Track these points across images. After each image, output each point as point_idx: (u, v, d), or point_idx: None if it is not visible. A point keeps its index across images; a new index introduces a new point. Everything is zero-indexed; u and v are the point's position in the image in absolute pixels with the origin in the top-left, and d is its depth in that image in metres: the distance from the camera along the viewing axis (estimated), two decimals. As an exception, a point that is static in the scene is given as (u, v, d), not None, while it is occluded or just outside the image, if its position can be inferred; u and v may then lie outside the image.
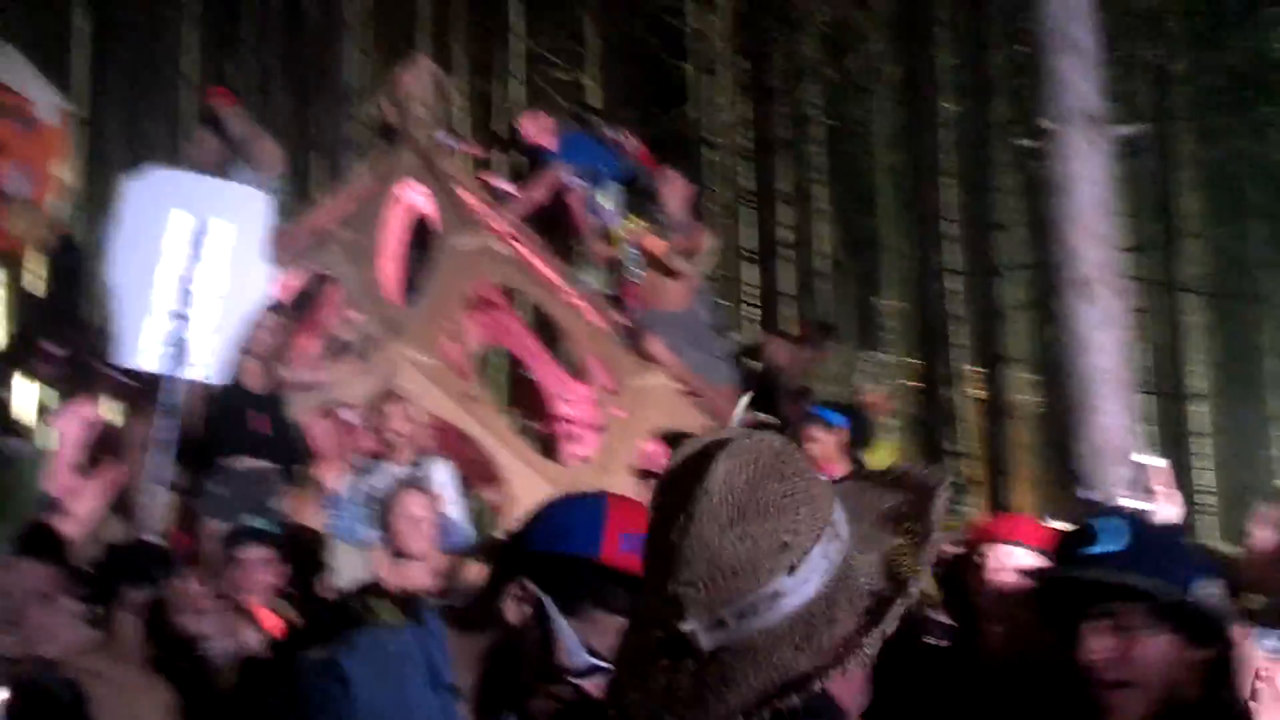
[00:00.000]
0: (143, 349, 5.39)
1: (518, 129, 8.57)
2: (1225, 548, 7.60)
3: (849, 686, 1.22)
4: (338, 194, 8.37)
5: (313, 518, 5.91)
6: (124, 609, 3.36)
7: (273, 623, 4.21)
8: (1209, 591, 1.92)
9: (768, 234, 17.94)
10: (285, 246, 7.38)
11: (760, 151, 18.26)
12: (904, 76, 17.54)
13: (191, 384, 5.67)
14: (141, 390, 6.00)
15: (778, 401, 7.60)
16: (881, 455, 7.39)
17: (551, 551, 1.79)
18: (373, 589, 4.21)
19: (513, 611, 1.80)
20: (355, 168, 11.36)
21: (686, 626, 1.16)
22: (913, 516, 1.24)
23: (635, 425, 6.95)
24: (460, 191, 7.82)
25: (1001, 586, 3.03)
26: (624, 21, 19.52)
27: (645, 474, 5.73)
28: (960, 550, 3.28)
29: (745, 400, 7.23)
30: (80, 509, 6.09)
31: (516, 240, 7.86)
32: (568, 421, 7.71)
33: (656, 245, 7.56)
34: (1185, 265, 17.21)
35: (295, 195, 10.53)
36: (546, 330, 8.28)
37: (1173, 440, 15.66)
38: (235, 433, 5.89)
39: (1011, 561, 3.04)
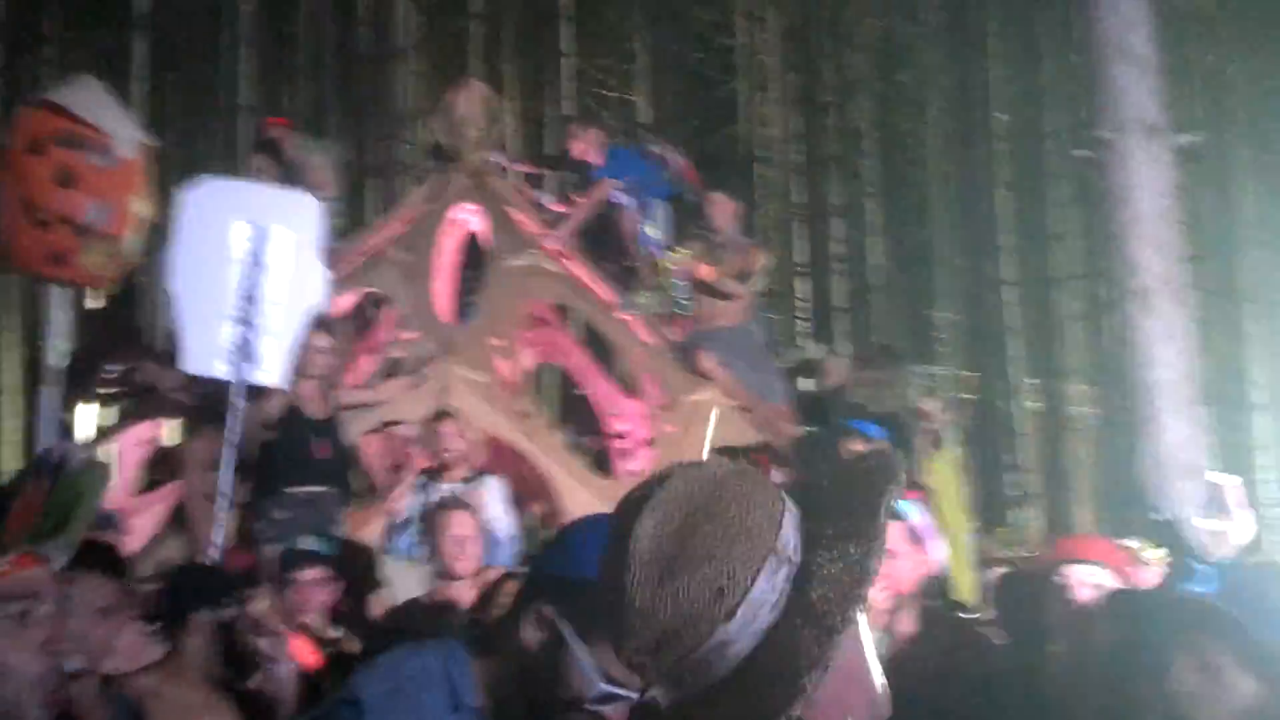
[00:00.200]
0: (207, 355, 5.40)
1: (566, 146, 8.61)
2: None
3: (847, 698, 1.15)
4: (392, 216, 8.45)
5: (369, 536, 5.94)
6: (189, 629, 3.38)
7: (310, 652, 4.22)
8: None
9: (820, 248, 17.87)
10: (341, 268, 7.47)
11: (812, 166, 18.20)
12: (956, 88, 17.41)
13: (253, 399, 5.72)
14: (200, 409, 6.07)
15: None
16: (941, 466, 7.29)
17: (569, 576, 1.76)
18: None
19: (531, 637, 1.78)
20: (409, 190, 11.46)
21: (650, 694, 1.14)
22: (864, 515, 1.16)
23: (688, 441, 6.93)
24: (512, 211, 7.87)
25: (1076, 606, 2.99)
26: (673, 39, 19.58)
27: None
28: (1025, 567, 3.24)
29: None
30: (139, 528, 6.18)
31: (567, 258, 7.89)
32: (620, 437, 7.70)
33: (708, 272, 7.54)
34: (1247, 274, 16.88)
35: (350, 218, 10.63)
36: (598, 347, 8.29)
37: (1235, 453, 15.33)
38: (297, 459, 5.92)
39: (1087, 581, 3.01)
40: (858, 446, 5.87)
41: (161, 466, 7.04)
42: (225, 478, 5.26)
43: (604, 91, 19.15)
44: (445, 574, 4.63)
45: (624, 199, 7.98)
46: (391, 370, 7.11)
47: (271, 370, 5.46)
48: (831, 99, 18.40)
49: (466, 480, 5.87)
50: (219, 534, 5.19)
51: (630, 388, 7.84)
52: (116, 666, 3.48)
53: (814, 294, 17.75)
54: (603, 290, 7.88)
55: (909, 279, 19.04)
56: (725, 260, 7.60)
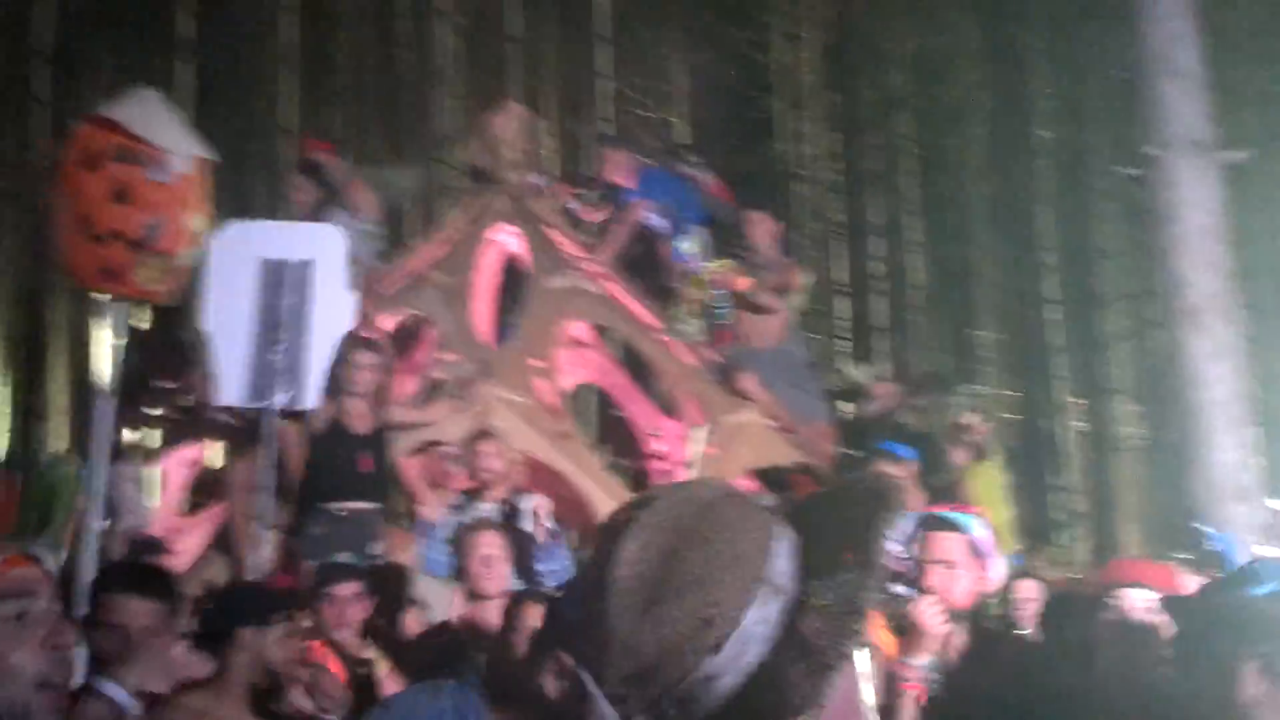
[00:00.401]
0: (241, 387, 5.53)
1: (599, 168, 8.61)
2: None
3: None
4: (431, 238, 8.48)
5: (406, 554, 5.95)
6: (236, 646, 3.37)
7: (338, 670, 4.21)
8: None
9: (860, 267, 17.78)
10: (382, 289, 7.51)
11: (851, 184, 18.13)
12: (997, 104, 17.30)
13: (289, 420, 5.78)
14: (244, 431, 6.11)
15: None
16: (984, 480, 7.22)
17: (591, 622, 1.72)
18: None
19: (551, 686, 1.73)
20: (448, 212, 11.52)
21: None
22: (859, 541, 1.09)
23: (728, 462, 6.88)
24: (550, 232, 7.88)
25: (1130, 628, 2.95)
26: (710, 59, 19.61)
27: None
28: (1075, 589, 3.21)
29: None
30: (184, 549, 6.22)
31: (606, 279, 7.88)
32: (659, 458, 7.67)
33: (745, 283, 7.52)
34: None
35: (391, 240, 10.71)
36: (637, 367, 8.27)
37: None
38: (339, 474, 5.96)
39: (1141, 604, 2.98)
40: (889, 468, 5.86)
41: (206, 489, 7.10)
42: (265, 502, 5.33)
43: (641, 112, 19.20)
44: (473, 593, 4.63)
45: (656, 220, 7.95)
46: (432, 391, 7.12)
47: (305, 396, 5.55)
48: (870, 116, 18.34)
49: (504, 502, 5.86)
50: (258, 557, 5.25)
51: (669, 408, 7.81)
52: (164, 687, 3.50)
53: (853, 313, 17.66)
54: (642, 311, 7.87)
55: (950, 297, 18.91)
56: (763, 278, 7.57)
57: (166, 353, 6.21)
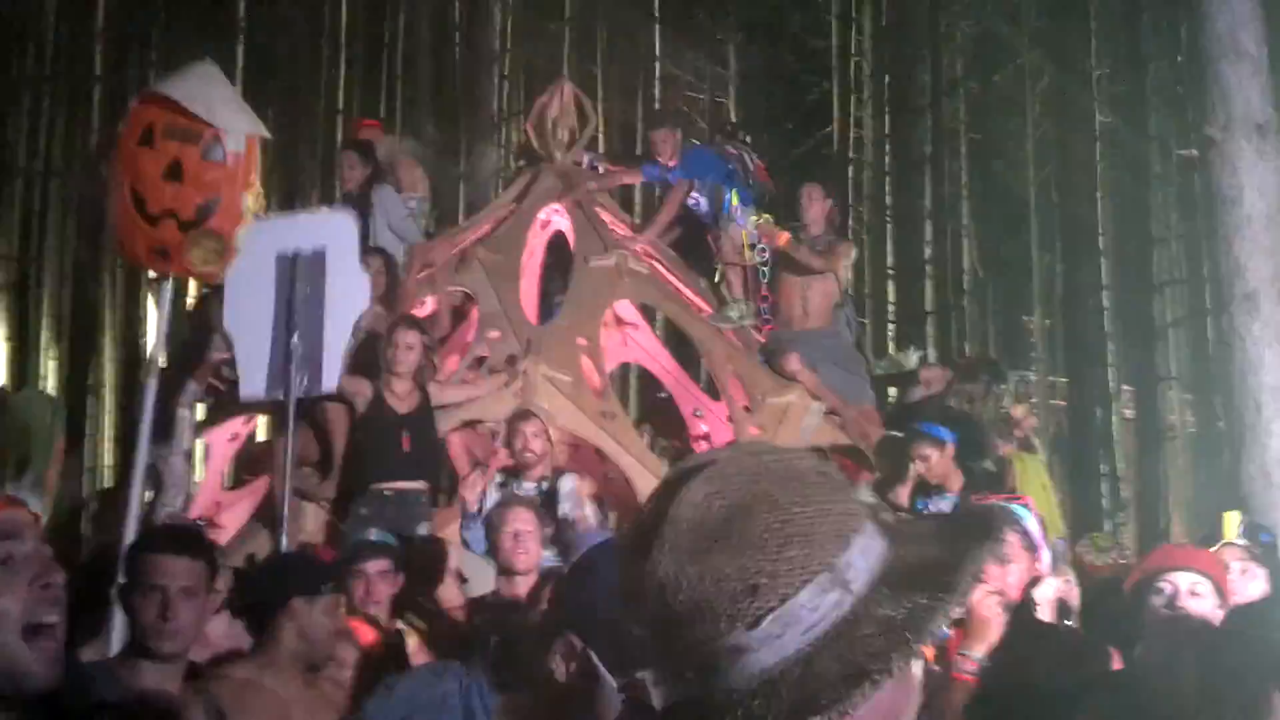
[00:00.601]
0: (263, 379, 5.66)
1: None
2: None
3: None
4: (481, 217, 8.50)
5: (449, 530, 5.98)
6: (286, 616, 3.36)
7: (372, 639, 4.23)
8: None
9: (911, 251, 17.61)
10: (430, 267, 7.54)
11: (903, 168, 17.95)
12: (1054, 89, 17.04)
13: (330, 402, 5.90)
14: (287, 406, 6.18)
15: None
16: (1029, 472, 7.15)
17: (597, 604, 1.69)
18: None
19: (560, 668, 1.72)
20: (499, 191, 11.56)
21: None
22: (944, 570, 1.00)
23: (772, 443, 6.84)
24: (598, 211, 7.87)
25: (1181, 615, 2.91)
26: (765, 42, 19.49)
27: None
28: (1123, 576, 3.18)
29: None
30: (228, 522, 6.30)
31: (653, 258, 7.86)
32: (704, 439, 7.65)
33: (786, 239, 7.52)
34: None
35: (441, 219, 10.75)
36: (683, 348, 8.24)
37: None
38: (384, 455, 6.01)
39: (1190, 590, 2.94)
40: (927, 450, 5.84)
41: (251, 463, 7.19)
42: (289, 480, 5.53)
43: (695, 94, 19.13)
44: (506, 569, 4.69)
45: (700, 200, 7.89)
46: (478, 369, 7.15)
47: (326, 382, 5.65)
48: (925, 101, 18.13)
49: (544, 480, 5.88)
50: (291, 531, 5.38)
51: (714, 389, 7.78)
52: (206, 654, 3.51)
53: (904, 297, 17.50)
54: (688, 291, 7.84)
55: (1002, 283, 18.68)
56: (811, 244, 7.57)
57: (214, 329, 6.27)
